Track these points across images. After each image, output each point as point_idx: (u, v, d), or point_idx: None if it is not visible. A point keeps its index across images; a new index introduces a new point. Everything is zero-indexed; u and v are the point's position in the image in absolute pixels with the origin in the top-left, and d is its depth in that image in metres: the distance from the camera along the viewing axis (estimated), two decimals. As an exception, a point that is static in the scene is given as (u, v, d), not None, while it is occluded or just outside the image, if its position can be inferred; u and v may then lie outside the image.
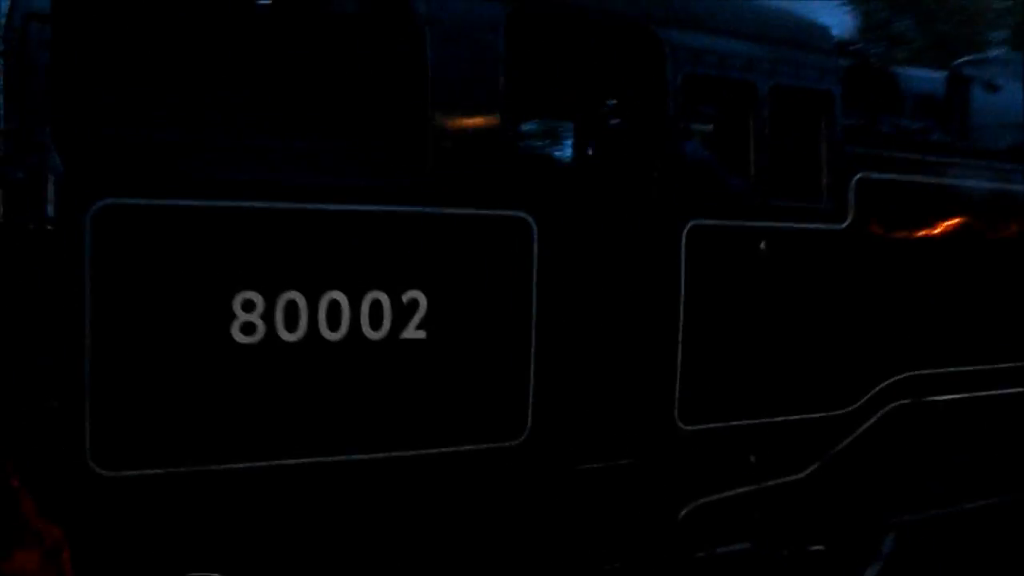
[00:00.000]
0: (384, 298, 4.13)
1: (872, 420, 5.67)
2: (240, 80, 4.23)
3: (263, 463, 3.97)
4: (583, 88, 4.97)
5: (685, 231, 4.88)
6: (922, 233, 5.89)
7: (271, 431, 3.98)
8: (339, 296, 4.05)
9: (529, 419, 4.49)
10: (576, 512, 4.73)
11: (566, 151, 4.77)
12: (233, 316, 3.87)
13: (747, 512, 5.28)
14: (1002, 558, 6.56)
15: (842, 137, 5.44)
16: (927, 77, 6.74)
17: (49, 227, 3.77)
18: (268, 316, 3.92)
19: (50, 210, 3.77)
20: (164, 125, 4.01)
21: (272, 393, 3.96)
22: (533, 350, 4.47)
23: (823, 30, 5.61)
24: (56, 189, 3.70)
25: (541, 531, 4.66)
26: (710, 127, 5.20)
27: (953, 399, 5.97)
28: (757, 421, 5.21)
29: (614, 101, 5.03)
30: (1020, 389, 6.29)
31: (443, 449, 4.32)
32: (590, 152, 4.93)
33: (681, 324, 4.89)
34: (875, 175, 5.58)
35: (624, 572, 4.91)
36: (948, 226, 5.99)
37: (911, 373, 5.79)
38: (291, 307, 3.97)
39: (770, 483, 5.33)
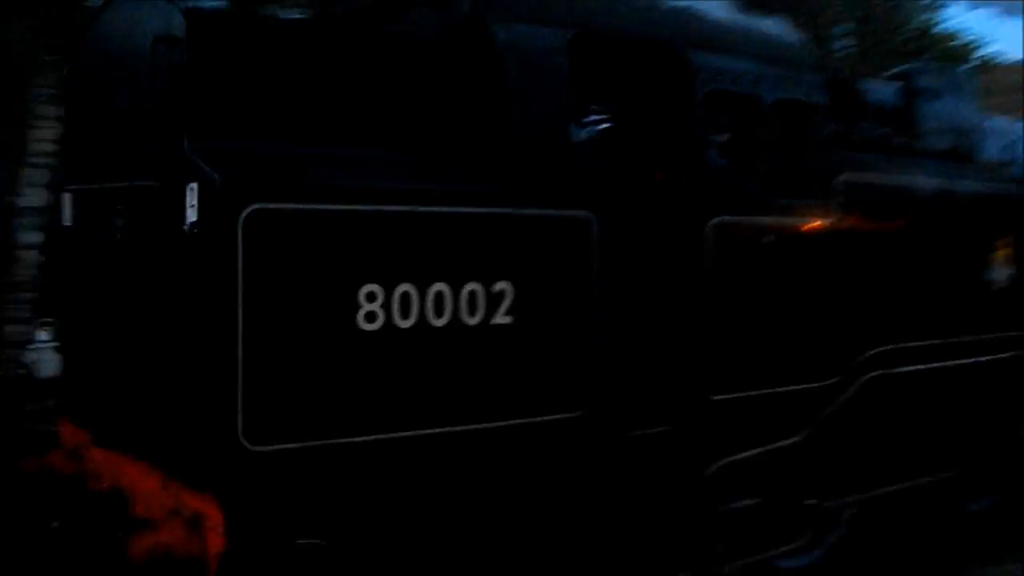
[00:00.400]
0: (479, 288, 4.72)
1: (852, 390, 6.49)
2: (351, 101, 4.76)
3: (383, 436, 4.52)
4: (628, 103, 5.62)
5: (710, 227, 5.60)
6: (891, 225, 6.74)
7: (388, 408, 4.52)
8: (443, 287, 4.62)
9: (589, 394, 5.14)
10: (628, 468, 5.39)
11: (617, 159, 5.40)
12: (358, 306, 4.41)
13: (757, 471, 6.03)
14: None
15: (828, 143, 6.24)
16: (883, 88, 7.60)
17: (195, 230, 4.21)
18: (386, 305, 4.46)
19: (192, 216, 4.23)
20: (289, 140, 4.53)
21: (389, 374, 4.51)
22: (595, 333, 5.12)
23: (808, 49, 6.40)
24: (207, 197, 4.17)
25: (599, 488, 5.30)
26: (726, 136, 5.88)
27: (919, 369, 6.86)
28: (765, 391, 5.96)
29: (651, 113, 5.69)
30: (976, 359, 7.26)
31: (525, 420, 4.93)
32: (634, 159, 5.58)
33: (708, 303, 5.61)
34: (855, 176, 6.39)
35: (662, 526, 5.60)
36: (913, 219, 6.87)
37: (885, 347, 6.63)
38: (405, 297, 4.52)
39: (774, 446, 6.09)
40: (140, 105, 4.64)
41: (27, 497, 5.33)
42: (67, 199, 5.57)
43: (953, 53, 27.29)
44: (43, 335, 5.85)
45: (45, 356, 5.77)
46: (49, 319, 5.77)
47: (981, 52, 28.89)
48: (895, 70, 8.65)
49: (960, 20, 56.16)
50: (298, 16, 4.79)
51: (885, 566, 7.22)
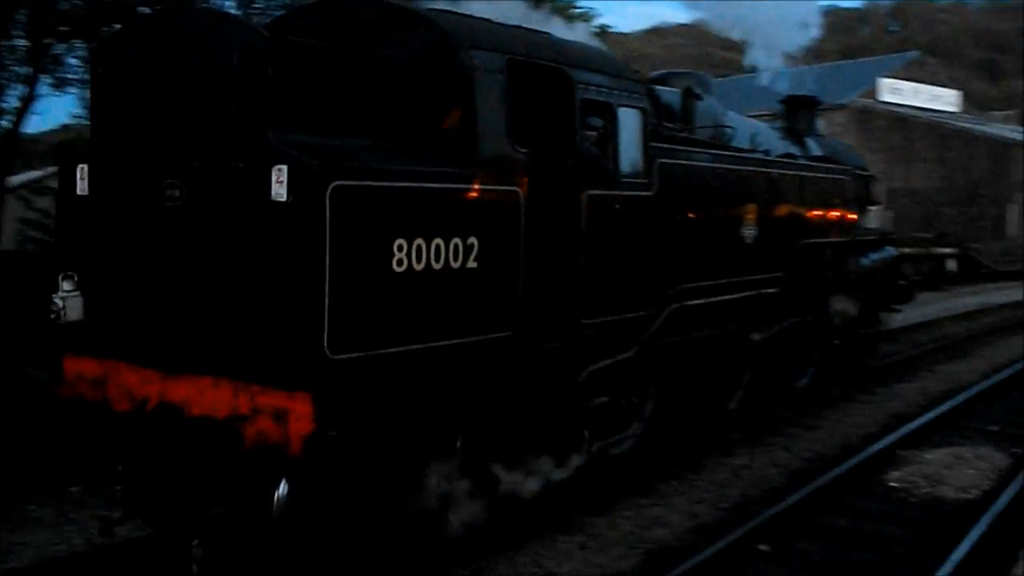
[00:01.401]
0: (460, 241, 6.63)
1: (663, 316, 8.96)
2: (367, 105, 6.54)
3: (406, 348, 6.34)
4: (536, 107, 7.64)
5: (584, 197, 7.80)
6: (683, 197, 9.27)
7: (409, 327, 6.33)
8: (440, 240, 6.50)
9: (517, 319, 7.19)
10: (536, 372, 7.48)
11: (530, 149, 7.42)
12: (392, 254, 6.19)
13: (608, 376, 8.31)
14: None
15: (649, 137, 8.60)
16: (669, 93, 10.09)
17: (289, 200, 5.76)
18: (408, 253, 6.27)
19: (280, 189, 5.81)
20: (344, 136, 6.26)
21: (410, 302, 6.32)
22: (521, 275, 7.17)
23: (634, 68, 8.74)
24: (300, 176, 5.73)
25: (521, 382, 7.35)
26: (593, 132, 8.08)
27: (706, 302, 9.52)
28: (615, 318, 8.26)
29: (550, 115, 7.78)
30: (759, 292, 10.33)
31: (484, 337, 6.91)
32: (540, 149, 7.59)
33: (582, 254, 7.78)
34: (664, 160, 8.82)
35: (554, 412, 7.77)
36: (695, 192, 9.49)
37: (681, 286, 9.18)
38: (418, 248, 6.35)
39: (618, 358, 8.41)
40: (228, 104, 6.06)
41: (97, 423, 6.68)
42: (83, 171, 6.87)
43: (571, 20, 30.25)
44: (67, 285, 6.83)
45: (71, 303, 6.81)
46: (71, 272, 6.85)
47: (597, 21, 31.25)
48: (655, 74, 11.23)
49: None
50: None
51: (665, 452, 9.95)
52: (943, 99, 60.94)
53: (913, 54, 63.42)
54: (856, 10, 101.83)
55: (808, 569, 7.51)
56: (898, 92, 54.61)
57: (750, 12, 12.76)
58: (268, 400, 5.91)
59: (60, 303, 6.85)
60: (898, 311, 15.58)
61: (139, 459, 6.62)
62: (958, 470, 9.93)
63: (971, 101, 73.54)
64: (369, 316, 6.08)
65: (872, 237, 14.31)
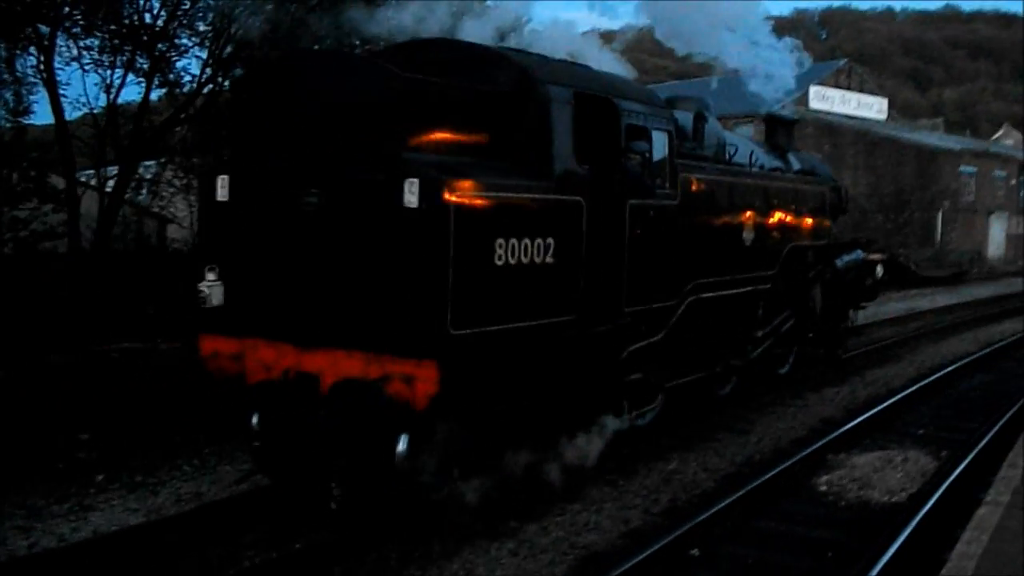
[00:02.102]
0: (541, 241, 8.14)
1: (683, 307, 10.58)
2: (465, 129, 8.10)
3: (511, 325, 7.88)
4: (591, 131, 9.10)
5: (628, 206, 9.38)
6: (700, 205, 10.93)
7: (506, 310, 7.84)
8: (527, 240, 8.00)
9: (577, 306, 8.72)
10: (594, 350, 9.04)
11: (591, 166, 8.89)
12: (494, 250, 7.68)
13: (645, 357, 9.88)
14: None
15: (675, 154, 10.21)
16: (684, 115, 11.59)
17: (421, 206, 7.23)
18: (505, 250, 7.77)
19: (412, 197, 7.25)
20: (448, 155, 7.79)
21: (507, 289, 7.82)
22: (582, 269, 8.69)
23: (660, 96, 10.34)
24: (429, 187, 7.22)
25: (581, 358, 8.88)
26: (635, 153, 9.59)
27: (716, 295, 11.19)
28: (648, 307, 9.84)
29: (601, 137, 9.19)
30: (756, 288, 11.98)
31: (556, 319, 8.45)
32: (594, 166, 8.91)
33: (625, 254, 9.36)
34: (685, 174, 10.46)
35: (603, 384, 9.32)
36: (707, 201, 11.16)
37: (698, 281, 10.82)
38: (512, 246, 7.84)
39: (655, 339, 10.01)
40: (367, 129, 7.55)
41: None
42: (222, 183, 8.27)
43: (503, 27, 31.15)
44: (210, 275, 8.12)
45: (214, 291, 8.15)
46: (214, 264, 8.13)
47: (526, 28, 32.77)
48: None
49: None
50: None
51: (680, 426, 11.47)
52: (871, 107, 63.43)
53: (841, 62, 65.55)
54: (785, 17, 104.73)
55: (739, 573, 7.66)
56: (827, 100, 56.82)
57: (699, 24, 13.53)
58: (398, 367, 7.38)
59: (206, 291, 8.24)
60: (865, 307, 17.43)
61: (278, 418, 8.03)
62: (886, 473, 10.09)
63: (899, 109, 76.55)
64: (478, 300, 7.58)
65: (844, 241, 16.32)
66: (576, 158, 8.65)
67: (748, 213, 12.16)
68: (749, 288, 12.22)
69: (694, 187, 10.72)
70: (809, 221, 14.35)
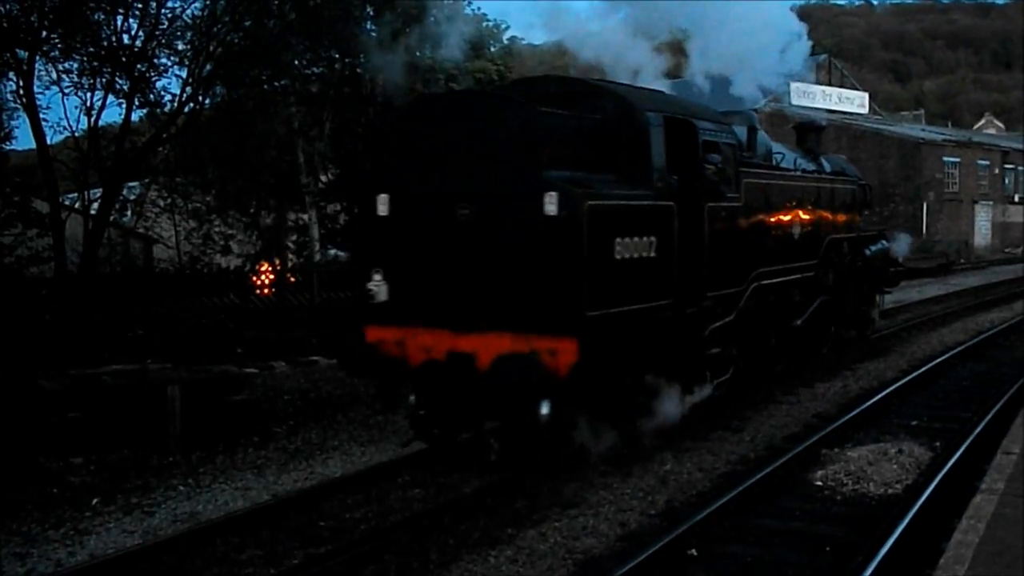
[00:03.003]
0: (646, 239, 9.97)
1: (748, 292, 12.36)
2: (586, 150, 10.09)
3: (627, 307, 9.73)
4: (675, 148, 10.74)
5: (706, 208, 11.22)
6: (760, 205, 12.81)
7: (625, 295, 9.70)
8: (637, 238, 9.83)
9: (673, 292, 10.55)
10: (685, 328, 10.89)
11: (678, 176, 10.55)
12: (614, 247, 9.52)
13: (721, 334, 11.64)
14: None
15: (738, 163, 12.08)
16: (740, 127, 13.17)
17: (561, 214, 9.02)
18: (622, 247, 9.60)
19: (552, 208, 9.01)
20: (578, 174, 9.64)
21: (623, 279, 9.67)
22: (675, 261, 10.52)
23: (720, 112, 12.43)
24: (567, 200, 9.03)
25: (678, 334, 10.73)
26: (711, 163, 11.37)
27: (773, 282, 13.12)
28: (723, 292, 11.66)
29: (682, 152, 10.92)
30: (803, 275, 14.07)
31: (657, 303, 10.32)
32: (680, 176, 10.81)
33: (705, 248, 11.17)
34: (748, 179, 12.34)
35: (691, 356, 11.14)
36: (764, 201, 13.03)
37: (759, 270, 12.64)
38: (626, 244, 9.67)
39: (727, 320, 11.77)
40: (512, 154, 9.38)
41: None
42: (382, 201, 10.08)
43: (482, 34, 29.46)
44: (376, 276, 10.02)
45: (380, 289, 10.03)
46: (379, 267, 10.06)
47: (506, 35, 31.64)
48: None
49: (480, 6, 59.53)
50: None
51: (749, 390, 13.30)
52: (852, 101, 63.58)
53: (821, 57, 65.74)
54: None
55: (737, 571, 7.67)
56: (808, 96, 57.01)
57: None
58: (544, 343, 9.16)
59: (374, 289, 10.15)
60: (890, 292, 19.52)
61: (439, 391, 9.80)
62: (881, 466, 10.11)
63: (880, 102, 76.83)
64: (604, 287, 9.46)
65: (872, 233, 18.31)
66: (668, 170, 10.56)
67: (796, 211, 14.05)
68: (798, 275, 14.08)
69: (754, 190, 12.57)
70: (843, 216, 16.27)
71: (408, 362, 9.87)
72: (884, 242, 18.15)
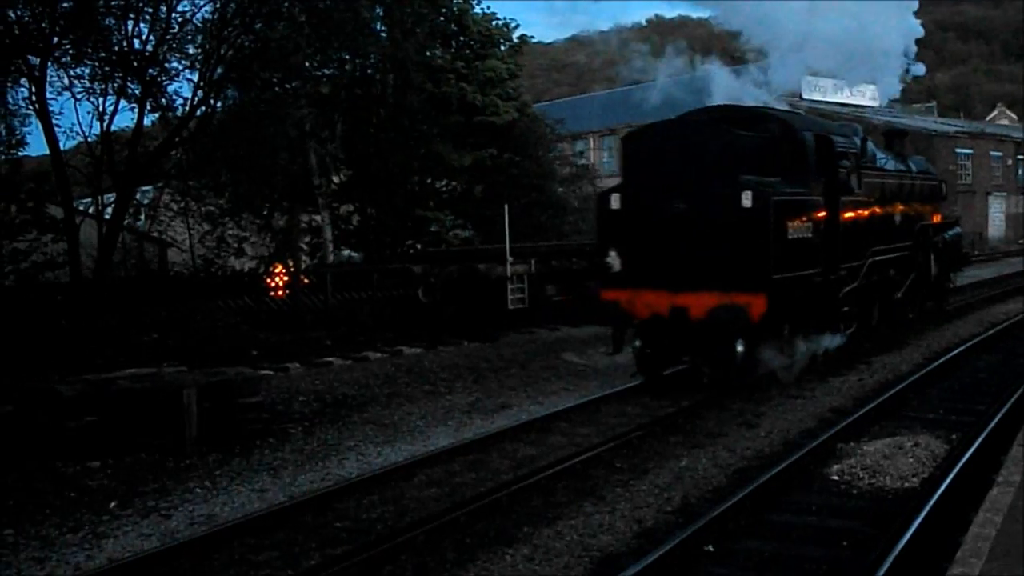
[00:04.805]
0: (804, 223, 13.83)
1: (866, 266, 16.27)
2: (762, 160, 13.79)
3: (795, 273, 13.58)
4: (820, 156, 14.65)
5: (839, 201, 15.19)
6: (874, 198, 16.73)
7: (792, 264, 13.53)
8: (799, 222, 13.74)
9: (821, 263, 14.42)
10: (829, 289, 14.85)
11: (823, 177, 14.26)
12: (787, 229, 13.35)
13: (849, 297, 15.65)
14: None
15: (858, 165, 15.99)
16: (858, 132, 17.17)
17: (753, 207, 12.89)
18: (795, 229, 13.45)
19: (747, 202, 12.88)
20: (760, 178, 13.51)
21: (793, 252, 13.53)
22: (822, 240, 14.37)
23: (837, 121, 16.48)
24: (758, 197, 12.91)
25: (825, 294, 14.73)
26: (833, 165, 15.45)
27: (883, 258, 17.15)
28: (851, 264, 15.54)
29: (823, 159, 14.80)
30: (902, 254, 18.19)
31: (812, 271, 14.22)
32: (824, 177, 14.59)
33: (840, 230, 15.01)
34: (866, 179, 16.28)
35: (833, 310, 15.17)
36: (876, 195, 16.99)
37: (873, 248, 16.57)
38: (794, 226, 13.56)
39: (853, 286, 15.72)
40: (717, 164, 13.32)
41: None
42: (615, 198, 14.14)
43: (491, 32, 30.77)
44: (612, 253, 14.05)
45: (615, 262, 14.06)
46: (613, 247, 14.06)
47: (515, 33, 32.45)
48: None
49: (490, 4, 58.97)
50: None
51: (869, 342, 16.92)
52: (864, 94, 63.43)
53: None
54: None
55: (755, 567, 7.57)
56: (820, 89, 56.98)
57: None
58: (742, 299, 13.01)
59: (611, 262, 14.10)
60: (962, 271, 23.69)
61: (660, 335, 13.82)
62: (897, 459, 10.05)
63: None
64: (782, 258, 13.20)
65: (949, 221, 22.33)
66: (816, 173, 14.34)
67: (897, 203, 17.95)
68: (898, 254, 17.92)
69: (870, 187, 16.44)
70: (928, 207, 20.22)
71: (635, 315, 13.75)
72: (958, 228, 22.26)
